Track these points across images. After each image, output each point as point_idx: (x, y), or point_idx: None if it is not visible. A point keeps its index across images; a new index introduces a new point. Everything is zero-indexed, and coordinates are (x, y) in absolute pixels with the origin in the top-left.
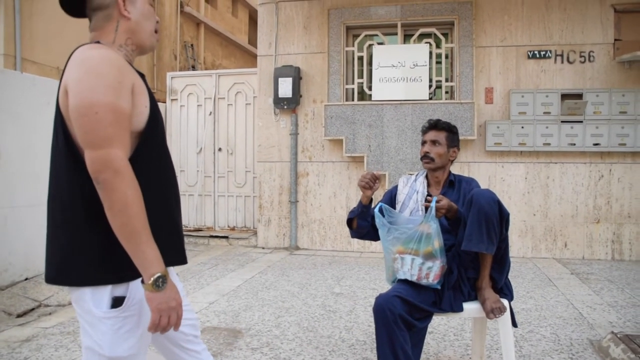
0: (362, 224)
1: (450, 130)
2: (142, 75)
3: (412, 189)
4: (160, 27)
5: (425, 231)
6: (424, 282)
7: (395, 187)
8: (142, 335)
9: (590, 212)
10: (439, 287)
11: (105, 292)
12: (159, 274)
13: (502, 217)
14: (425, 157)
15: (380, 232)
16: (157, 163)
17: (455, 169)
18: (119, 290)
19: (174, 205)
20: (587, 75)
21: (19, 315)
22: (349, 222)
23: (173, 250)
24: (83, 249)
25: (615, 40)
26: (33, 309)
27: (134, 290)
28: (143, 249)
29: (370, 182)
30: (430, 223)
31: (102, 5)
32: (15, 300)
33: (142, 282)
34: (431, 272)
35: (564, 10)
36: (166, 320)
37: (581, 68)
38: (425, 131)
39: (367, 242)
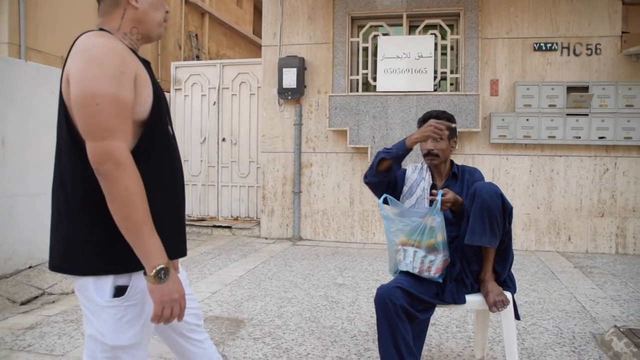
0: (395, 167)
1: (450, 121)
2: (147, 63)
3: (420, 177)
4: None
5: (429, 224)
6: (425, 275)
7: (404, 170)
8: (145, 324)
9: (595, 206)
10: (440, 280)
11: (108, 282)
12: (161, 266)
13: (505, 210)
14: (429, 154)
15: (384, 224)
16: (161, 152)
17: (460, 161)
18: (121, 279)
19: (178, 196)
20: (593, 68)
21: (22, 303)
22: (380, 162)
23: (177, 242)
24: (86, 238)
25: (622, 32)
26: (37, 297)
27: (137, 279)
28: (145, 241)
29: (441, 134)
30: (434, 216)
31: None
32: (19, 288)
33: (145, 273)
34: (433, 266)
35: (570, 2)
36: (169, 312)
37: (587, 61)
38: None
39: (370, 234)
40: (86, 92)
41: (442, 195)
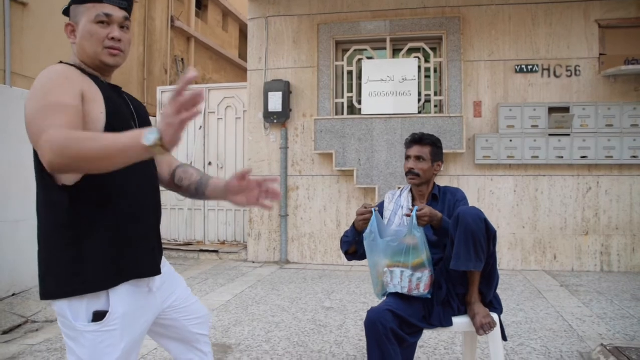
0: (361, 249)
1: (435, 145)
2: (117, 88)
3: (397, 205)
4: (131, 43)
5: (412, 243)
6: (415, 293)
7: (383, 203)
8: (126, 350)
9: (579, 225)
10: (429, 296)
11: (82, 304)
12: (147, 131)
13: (488, 234)
14: (410, 173)
15: (366, 249)
16: (127, 170)
17: (445, 183)
18: (99, 304)
19: (149, 216)
20: (573, 89)
21: (5, 332)
22: (346, 250)
23: (148, 261)
24: (57, 263)
25: (600, 54)
26: (20, 325)
27: (116, 304)
28: (121, 143)
29: (369, 219)
30: (414, 234)
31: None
32: (2, 316)
33: (149, 145)
34: (421, 283)
35: (549, 26)
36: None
37: (568, 82)
38: (409, 145)
39: None
40: (27, 113)
41: (418, 210)
